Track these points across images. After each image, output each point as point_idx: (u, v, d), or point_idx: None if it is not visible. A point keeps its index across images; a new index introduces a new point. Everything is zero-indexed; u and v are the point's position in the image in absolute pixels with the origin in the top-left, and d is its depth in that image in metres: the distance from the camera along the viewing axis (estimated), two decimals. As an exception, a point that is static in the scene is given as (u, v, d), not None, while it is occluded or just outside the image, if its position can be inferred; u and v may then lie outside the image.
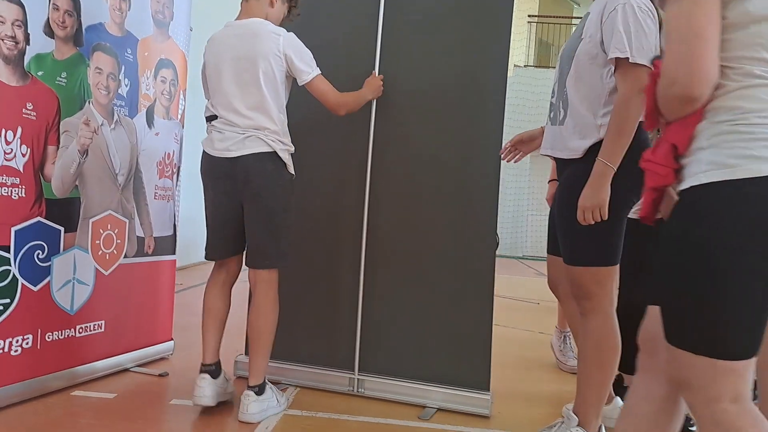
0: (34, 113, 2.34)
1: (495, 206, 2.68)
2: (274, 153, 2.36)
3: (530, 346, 4.11)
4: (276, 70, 2.36)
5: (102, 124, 2.66)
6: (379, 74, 2.77)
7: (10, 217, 2.27)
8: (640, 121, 2.02)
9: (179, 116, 3.15)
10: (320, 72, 2.43)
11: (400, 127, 2.78)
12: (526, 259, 13.01)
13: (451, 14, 2.74)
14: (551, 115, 2.27)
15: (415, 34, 2.78)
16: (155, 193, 3.00)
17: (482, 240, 2.68)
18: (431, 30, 2.76)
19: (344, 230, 2.84)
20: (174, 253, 3.13)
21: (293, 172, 2.45)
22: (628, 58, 1.95)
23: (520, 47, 12.16)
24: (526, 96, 11.89)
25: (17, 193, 2.29)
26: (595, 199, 1.99)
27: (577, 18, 14.92)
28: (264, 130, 2.35)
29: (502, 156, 2.59)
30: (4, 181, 2.23)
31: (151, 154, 2.96)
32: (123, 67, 2.77)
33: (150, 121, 2.95)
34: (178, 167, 3.18)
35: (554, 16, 13.05)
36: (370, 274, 2.80)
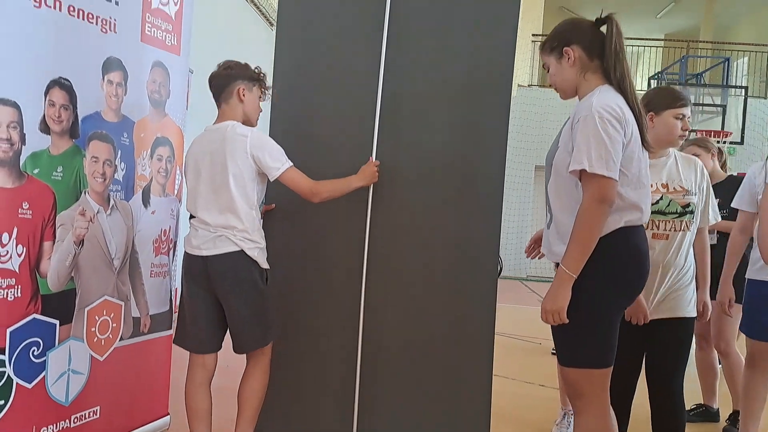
0: (30, 212, 2.36)
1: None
2: (242, 252, 2.50)
3: (530, 404, 4.11)
4: (245, 172, 2.50)
5: (98, 212, 2.68)
6: (376, 159, 2.80)
7: (6, 318, 2.28)
8: (627, 227, 2.06)
9: (176, 191, 3.17)
10: (291, 164, 2.53)
11: (399, 204, 2.82)
12: (530, 280, 12.97)
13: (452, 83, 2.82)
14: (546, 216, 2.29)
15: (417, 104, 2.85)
16: (151, 271, 3.02)
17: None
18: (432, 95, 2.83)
19: (340, 298, 2.86)
20: (170, 328, 3.15)
21: (266, 266, 2.59)
22: (586, 170, 1.97)
23: (524, 67, 12.17)
24: (530, 117, 11.88)
25: (13, 294, 2.30)
26: (553, 304, 2.01)
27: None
28: (232, 230, 2.50)
29: (527, 254, 2.66)
30: (0, 284, 2.25)
31: (147, 234, 2.98)
32: (119, 152, 2.79)
33: (146, 201, 2.97)
34: (175, 242, 3.19)
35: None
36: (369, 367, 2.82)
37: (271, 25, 8.51)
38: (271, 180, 2.56)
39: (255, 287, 2.55)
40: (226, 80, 2.63)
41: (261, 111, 2.76)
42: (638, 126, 2.10)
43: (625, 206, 2.06)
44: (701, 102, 10.69)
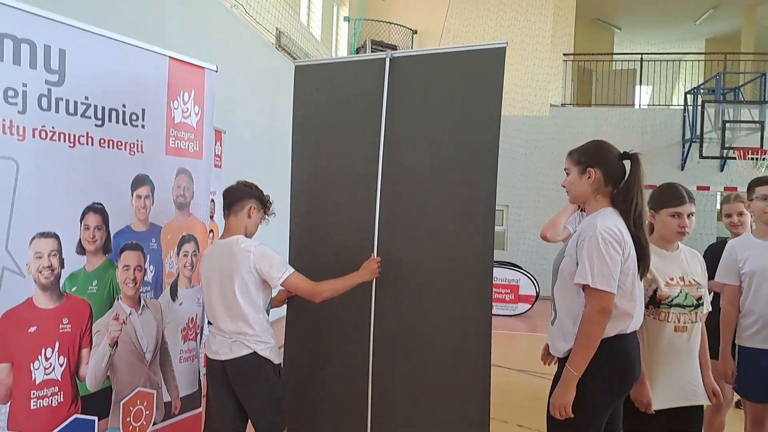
0: (70, 326, 2.71)
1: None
2: (255, 354, 2.82)
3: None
4: (249, 283, 2.80)
5: (130, 314, 3.01)
6: (377, 256, 3.08)
7: (51, 422, 2.63)
8: (621, 335, 2.35)
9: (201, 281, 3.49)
10: (291, 271, 2.83)
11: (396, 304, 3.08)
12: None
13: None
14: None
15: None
16: (180, 357, 3.34)
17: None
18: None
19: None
20: (200, 406, 3.47)
21: (278, 361, 2.90)
22: (589, 284, 2.27)
23: (556, 87, 12.20)
24: (564, 136, 11.86)
25: (56, 400, 2.65)
26: (561, 399, 2.31)
27: (619, 54, 14.80)
28: (245, 335, 2.82)
29: (543, 360, 2.91)
30: (45, 393, 2.59)
31: (175, 324, 3.30)
32: (148, 256, 3.12)
33: (173, 295, 3.29)
34: (201, 326, 3.51)
35: (589, 54, 13.05)
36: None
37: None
38: (274, 287, 2.86)
39: (269, 383, 2.85)
40: (242, 196, 2.94)
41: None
42: (636, 248, 2.39)
43: (619, 314, 2.36)
44: (739, 118, 10.52)
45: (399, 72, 3.16)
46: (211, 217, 5.72)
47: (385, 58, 3.19)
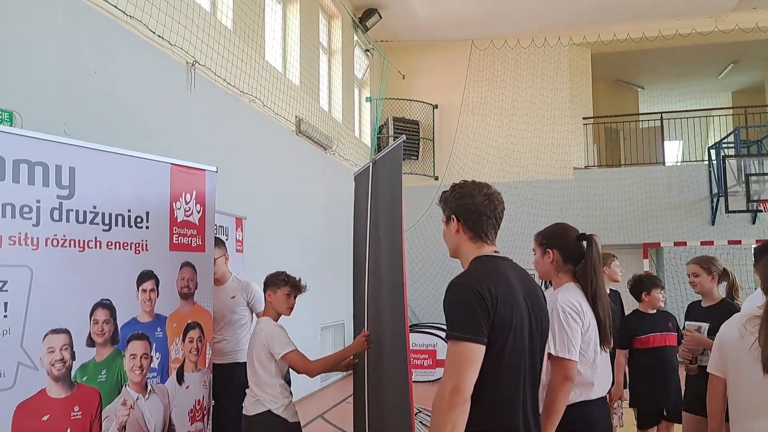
0: (80, 413, 2.99)
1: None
2: (269, 411, 3.30)
3: None
4: (263, 355, 3.35)
5: (137, 399, 3.28)
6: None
7: (62, 504, 2.87)
8: (586, 401, 2.55)
9: (207, 365, 3.76)
10: (290, 349, 3.33)
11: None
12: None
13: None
14: None
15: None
16: (188, 437, 3.58)
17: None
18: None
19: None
20: (208, 484, 3.67)
21: (294, 420, 3.29)
22: (551, 354, 2.46)
23: (577, 150, 12.38)
24: (590, 198, 11.97)
25: (67, 483, 2.90)
26: None
27: (638, 114, 14.93)
28: (261, 396, 3.32)
29: None
30: (56, 477, 2.86)
31: (182, 407, 3.55)
32: (154, 344, 3.42)
33: (180, 379, 3.56)
34: (208, 407, 3.75)
35: (609, 116, 13.23)
36: None
37: (324, 149, 9.32)
38: (277, 360, 3.32)
39: None
40: (264, 285, 3.54)
41: (290, 306, 3.51)
42: (596, 321, 2.60)
43: (582, 381, 2.55)
44: (763, 170, 10.45)
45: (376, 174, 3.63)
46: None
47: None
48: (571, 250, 2.70)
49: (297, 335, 3.54)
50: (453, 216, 2.21)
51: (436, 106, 12.77)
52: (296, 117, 8.38)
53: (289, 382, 3.46)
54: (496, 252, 2.19)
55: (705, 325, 3.72)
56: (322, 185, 9.15)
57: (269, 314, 3.49)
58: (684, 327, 3.91)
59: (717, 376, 3.07)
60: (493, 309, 1.95)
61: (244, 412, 3.39)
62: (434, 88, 12.77)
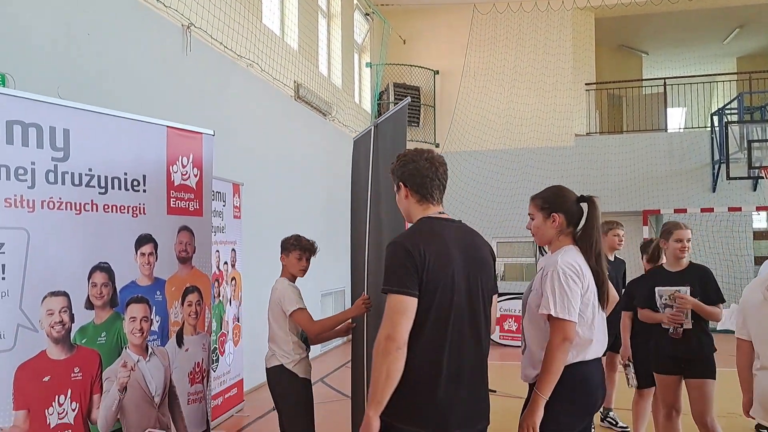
0: (81, 374, 3.01)
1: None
2: (282, 365, 3.49)
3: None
4: (278, 312, 3.54)
5: (138, 361, 3.31)
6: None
7: (64, 463, 2.92)
8: (582, 361, 2.56)
9: (206, 328, 3.78)
10: (297, 307, 3.47)
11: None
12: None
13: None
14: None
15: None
16: (188, 399, 3.61)
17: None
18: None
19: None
20: (208, 445, 3.73)
21: (304, 376, 3.47)
22: (551, 314, 2.49)
23: (579, 117, 12.27)
24: (591, 165, 11.90)
25: (69, 443, 2.95)
26: (530, 419, 2.51)
27: (641, 79, 14.76)
28: (276, 351, 3.54)
29: None
30: (58, 436, 2.90)
31: (183, 369, 3.58)
32: (153, 308, 3.43)
33: (180, 342, 3.59)
34: (207, 369, 3.79)
35: (611, 81, 13.08)
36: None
37: (324, 115, 9.24)
38: (287, 316, 3.48)
39: (294, 391, 3.48)
40: (281, 248, 3.68)
41: (302, 268, 3.67)
42: (595, 281, 2.61)
43: (580, 342, 2.57)
44: (765, 137, 10.38)
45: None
46: (233, 266, 6.07)
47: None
48: (572, 212, 2.70)
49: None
50: (400, 182, 2.43)
51: (437, 72, 12.64)
52: (295, 82, 8.29)
53: (305, 340, 3.58)
54: (441, 213, 2.40)
55: (686, 289, 3.77)
56: (321, 151, 9.09)
57: (285, 275, 3.65)
58: (658, 294, 3.88)
59: (744, 339, 3.10)
60: (422, 266, 2.18)
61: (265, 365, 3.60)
62: (435, 54, 12.62)
